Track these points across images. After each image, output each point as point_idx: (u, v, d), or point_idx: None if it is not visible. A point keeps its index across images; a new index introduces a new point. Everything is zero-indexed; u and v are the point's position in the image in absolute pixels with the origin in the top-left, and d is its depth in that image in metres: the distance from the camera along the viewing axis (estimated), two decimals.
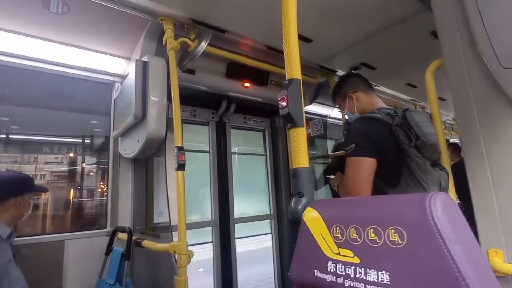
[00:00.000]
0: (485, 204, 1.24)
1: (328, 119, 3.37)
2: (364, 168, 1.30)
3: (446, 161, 1.57)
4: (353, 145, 1.34)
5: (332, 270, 0.65)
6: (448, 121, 4.73)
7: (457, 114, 1.39)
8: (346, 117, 1.71)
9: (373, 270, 0.58)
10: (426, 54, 2.18)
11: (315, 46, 2.27)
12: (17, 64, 2.03)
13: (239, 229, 2.91)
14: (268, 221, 3.20)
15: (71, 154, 2.38)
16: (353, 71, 2.61)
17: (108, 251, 2.05)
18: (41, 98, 2.29)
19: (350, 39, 2.26)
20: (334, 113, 3.27)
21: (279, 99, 0.84)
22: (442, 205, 0.53)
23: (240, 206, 2.98)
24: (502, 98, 1.22)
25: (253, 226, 3.09)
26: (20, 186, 1.56)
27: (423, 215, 0.53)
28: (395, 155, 1.36)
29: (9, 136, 2.16)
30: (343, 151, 1.43)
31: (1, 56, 1.98)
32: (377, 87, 3.21)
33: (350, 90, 1.63)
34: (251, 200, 3.28)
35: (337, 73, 2.82)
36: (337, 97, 1.74)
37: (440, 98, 2.94)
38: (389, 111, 1.47)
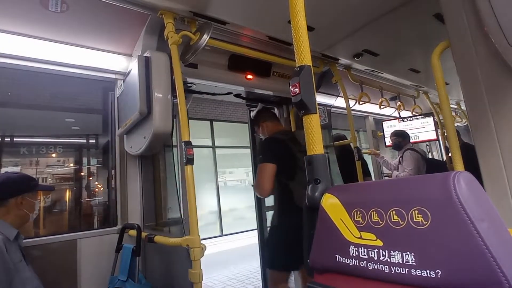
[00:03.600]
0: (497, 185, 1.23)
1: (332, 109, 3.35)
2: (266, 169, 1.99)
3: (455, 144, 1.56)
4: (261, 156, 2.08)
5: (354, 254, 0.65)
6: (451, 105, 4.70)
7: (465, 96, 1.38)
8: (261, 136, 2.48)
9: (397, 251, 0.58)
10: (430, 37, 2.16)
11: (316, 34, 2.24)
12: (16, 65, 2.00)
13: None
14: None
15: (76, 154, 2.39)
16: (264, 107, 2.96)
17: (119, 248, 2.06)
18: (42, 99, 2.28)
19: (352, 25, 2.23)
20: (338, 102, 3.25)
21: (291, 86, 0.83)
22: (466, 183, 0.53)
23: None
24: (511, 78, 1.21)
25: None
26: (18, 186, 1.55)
27: (447, 194, 0.52)
28: (289, 159, 2.10)
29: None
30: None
31: (0, 58, 1.94)
32: (380, 74, 3.19)
33: (261, 120, 2.41)
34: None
35: (339, 61, 2.79)
36: (254, 125, 2.58)
37: None
38: (286, 133, 2.31)
